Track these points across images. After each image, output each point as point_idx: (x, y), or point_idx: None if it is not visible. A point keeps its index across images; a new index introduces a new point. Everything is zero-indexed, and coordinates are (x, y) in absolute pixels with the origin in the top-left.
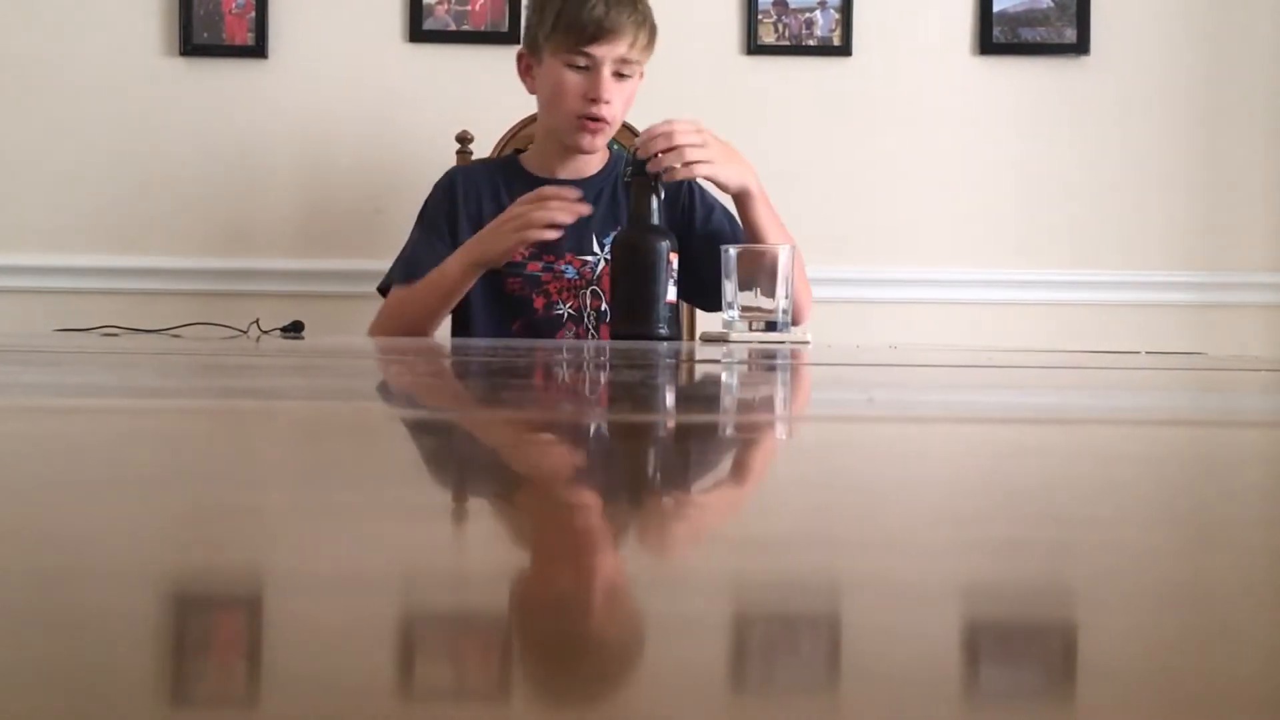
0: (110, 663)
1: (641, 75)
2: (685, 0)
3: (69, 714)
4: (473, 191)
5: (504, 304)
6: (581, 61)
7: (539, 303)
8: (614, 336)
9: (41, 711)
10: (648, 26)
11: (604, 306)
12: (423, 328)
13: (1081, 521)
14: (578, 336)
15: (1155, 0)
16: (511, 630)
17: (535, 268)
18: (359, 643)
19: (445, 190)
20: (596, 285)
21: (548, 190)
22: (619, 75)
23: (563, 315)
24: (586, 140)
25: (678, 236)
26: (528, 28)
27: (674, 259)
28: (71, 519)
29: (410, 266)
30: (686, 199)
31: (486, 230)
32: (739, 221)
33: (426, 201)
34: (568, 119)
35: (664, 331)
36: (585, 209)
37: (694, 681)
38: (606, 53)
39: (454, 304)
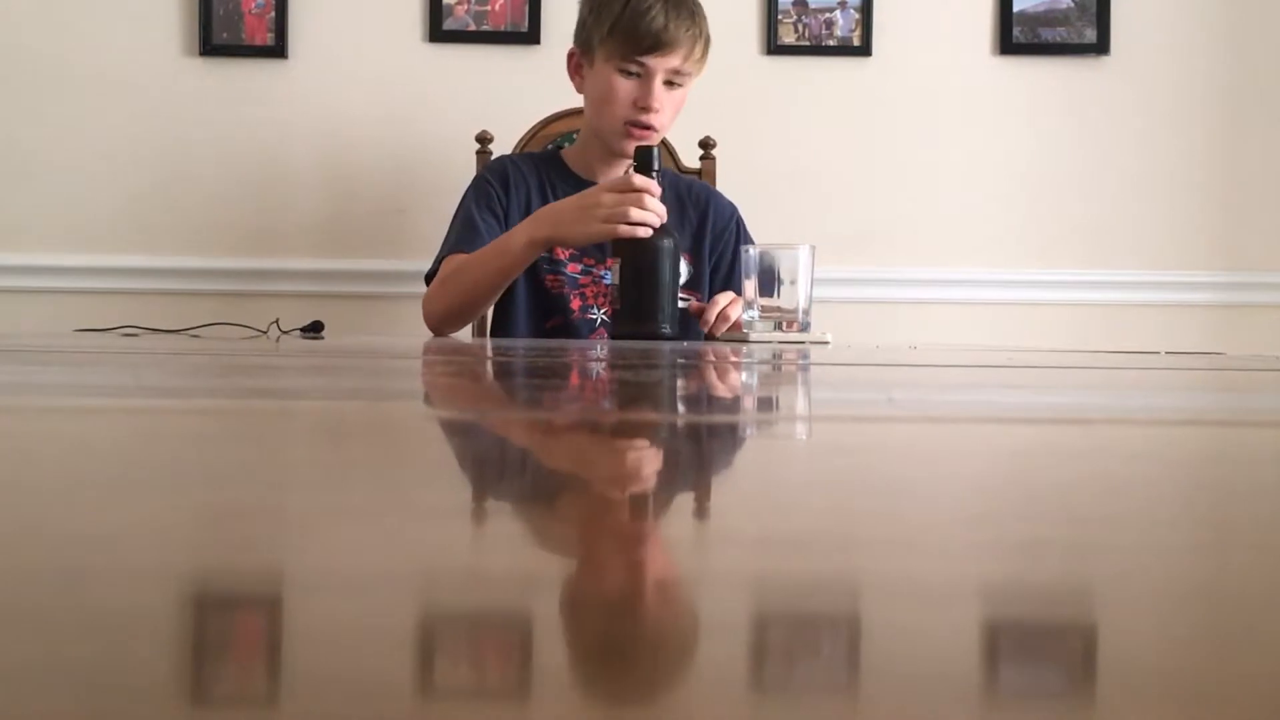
0: (132, 661)
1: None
2: (706, 1)
3: (92, 712)
4: (522, 181)
5: (543, 300)
6: (634, 69)
7: (575, 304)
8: (616, 336)
9: (65, 709)
10: (703, 39)
11: None
12: (478, 298)
13: (1101, 521)
14: None
15: (1176, 0)
16: (532, 630)
17: (575, 269)
18: (380, 643)
19: (498, 174)
20: None
21: (640, 180)
22: (669, 84)
23: (596, 320)
24: (632, 146)
25: (715, 268)
26: (581, 25)
27: (683, 260)
28: (91, 519)
29: (469, 236)
30: (733, 233)
31: (567, 210)
32: None
33: (476, 184)
34: (615, 124)
35: (667, 331)
36: (663, 212)
37: (715, 680)
38: (660, 63)
39: (512, 278)
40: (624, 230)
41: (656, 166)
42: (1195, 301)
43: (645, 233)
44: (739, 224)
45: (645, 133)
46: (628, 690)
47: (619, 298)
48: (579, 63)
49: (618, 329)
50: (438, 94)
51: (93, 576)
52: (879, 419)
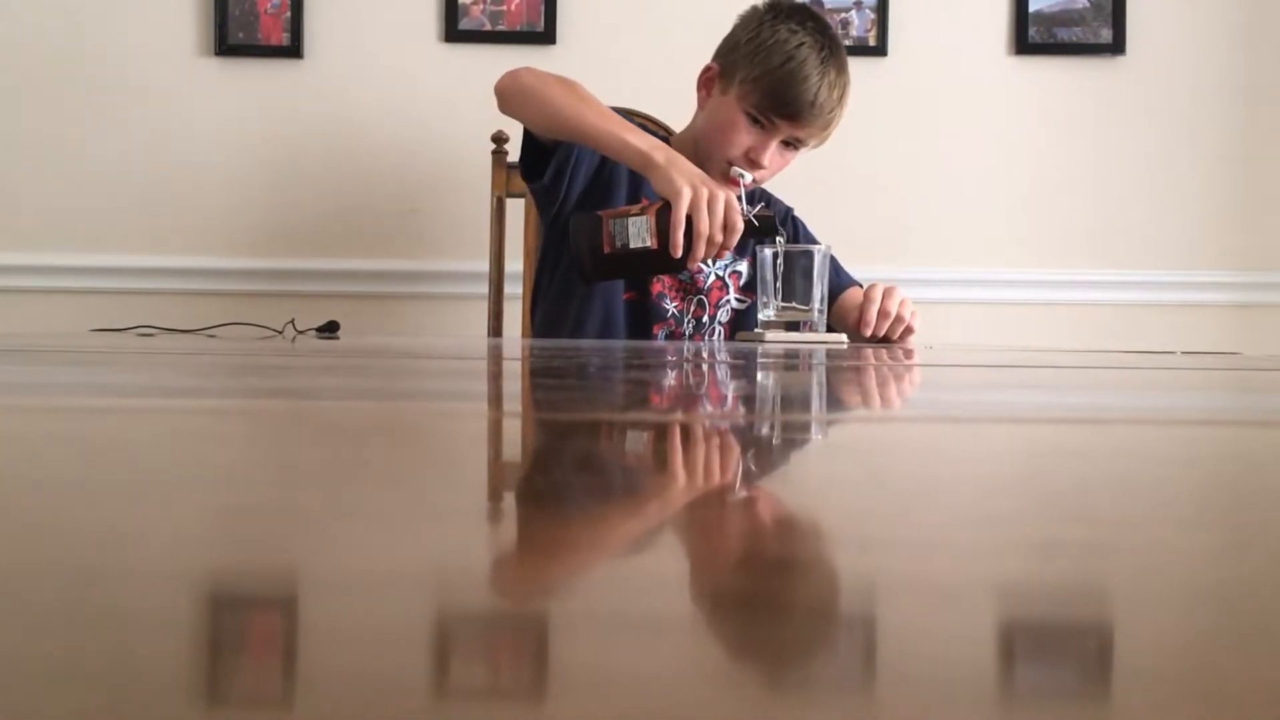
0: (145, 661)
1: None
2: (717, 1)
3: (106, 711)
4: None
5: None
6: (762, 120)
7: (655, 288)
8: (570, 223)
9: (79, 707)
10: (836, 122)
11: (705, 317)
12: (549, 119)
13: (1118, 522)
14: (671, 335)
15: (1192, 0)
16: (544, 629)
17: None
18: (395, 644)
19: (631, 117)
20: (704, 296)
21: (738, 223)
22: (786, 143)
23: (667, 311)
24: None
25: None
26: (732, 47)
27: (743, 263)
28: (106, 518)
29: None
30: (792, 230)
31: (683, 162)
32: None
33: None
34: (719, 158)
35: (588, 282)
36: (698, 263)
37: (725, 678)
38: (790, 130)
39: (584, 140)
40: (675, 239)
41: (768, 237)
42: (1210, 302)
43: (676, 252)
44: (795, 220)
45: (739, 183)
46: (636, 686)
47: (617, 236)
48: (712, 79)
49: (577, 242)
50: (453, 94)
51: (107, 575)
52: (894, 419)
